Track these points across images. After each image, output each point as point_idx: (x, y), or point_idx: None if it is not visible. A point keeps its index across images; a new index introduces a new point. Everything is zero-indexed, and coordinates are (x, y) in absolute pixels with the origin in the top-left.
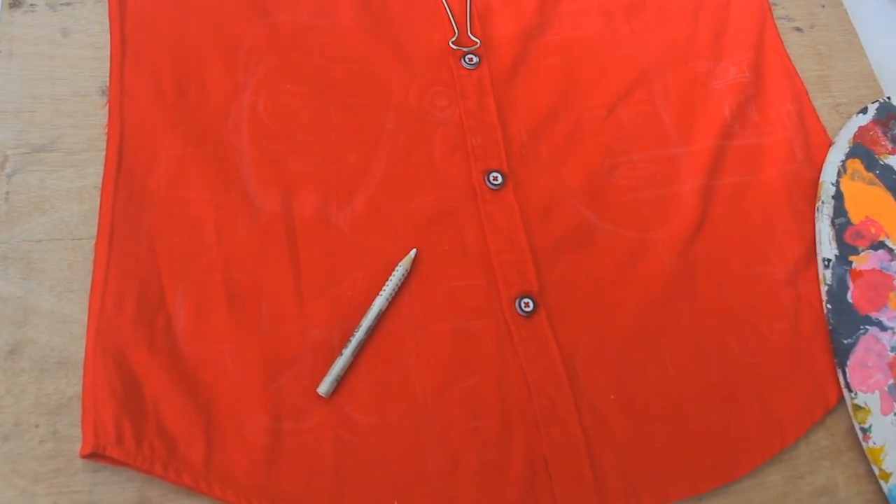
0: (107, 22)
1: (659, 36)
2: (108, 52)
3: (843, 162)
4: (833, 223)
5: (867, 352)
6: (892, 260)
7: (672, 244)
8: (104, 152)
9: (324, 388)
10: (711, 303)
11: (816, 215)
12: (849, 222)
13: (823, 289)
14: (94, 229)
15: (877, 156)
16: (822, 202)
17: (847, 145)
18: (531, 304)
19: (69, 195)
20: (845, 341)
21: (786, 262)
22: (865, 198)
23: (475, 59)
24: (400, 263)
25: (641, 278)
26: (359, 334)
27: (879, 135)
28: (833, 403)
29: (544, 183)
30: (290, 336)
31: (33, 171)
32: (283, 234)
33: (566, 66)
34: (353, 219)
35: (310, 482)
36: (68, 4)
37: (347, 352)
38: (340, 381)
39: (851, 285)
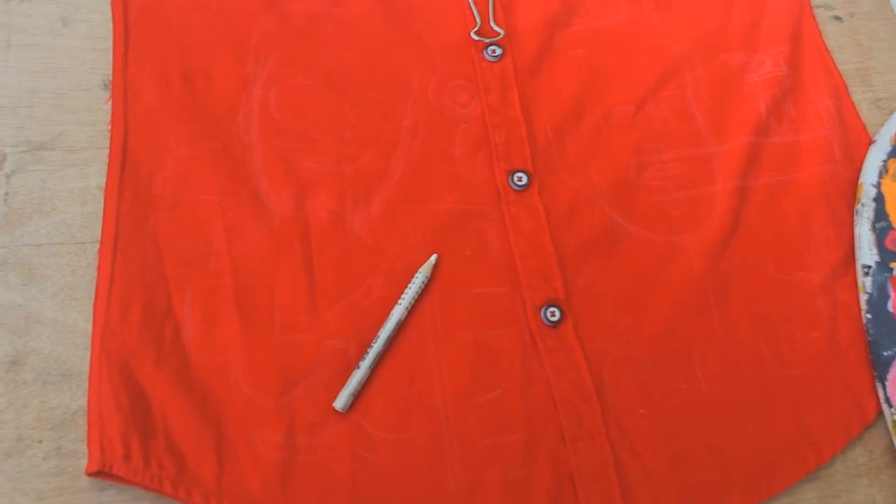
0: (109, 10)
1: (690, 25)
2: (111, 44)
3: (885, 162)
4: (873, 227)
5: None
6: None
7: (703, 248)
8: (107, 150)
9: (340, 402)
10: (744, 310)
11: (855, 219)
12: (890, 226)
13: (863, 297)
14: (98, 233)
15: None
16: (862, 205)
17: (889, 144)
18: (557, 314)
19: (71, 196)
20: (885, 353)
21: (822, 268)
22: None
23: (498, 51)
24: (419, 270)
25: (671, 285)
26: (377, 345)
27: None
28: (871, 418)
29: (571, 183)
30: (303, 346)
31: (33, 170)
32: (296, 238)
33: (593, 58)
34: (369, 222)
35: (325, 501)
36: None
37: (365, 364)
38: (357, 395)
39: (893, 294)
